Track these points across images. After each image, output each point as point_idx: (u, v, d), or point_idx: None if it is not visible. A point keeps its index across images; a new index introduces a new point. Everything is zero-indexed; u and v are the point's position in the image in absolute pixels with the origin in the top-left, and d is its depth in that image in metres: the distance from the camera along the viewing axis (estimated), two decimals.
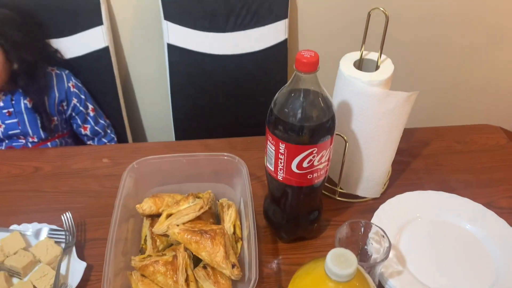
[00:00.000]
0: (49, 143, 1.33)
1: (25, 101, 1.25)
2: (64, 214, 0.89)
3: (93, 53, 1.41)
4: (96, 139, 1.44)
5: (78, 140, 1.45)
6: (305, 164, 0.71)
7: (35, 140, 1.29)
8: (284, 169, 0.73)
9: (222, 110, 1.53)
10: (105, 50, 1.41)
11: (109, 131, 1.47)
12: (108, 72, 1.45)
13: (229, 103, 1.52)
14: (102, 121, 1.44)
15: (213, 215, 0.90)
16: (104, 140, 1.45)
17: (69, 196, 0.98)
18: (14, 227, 0.89)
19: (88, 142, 1.44)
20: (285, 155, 0.71)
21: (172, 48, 1.41)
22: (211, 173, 0.93)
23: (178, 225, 0.80)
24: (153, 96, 1.62)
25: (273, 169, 0.75)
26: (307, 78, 0.67)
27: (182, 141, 1.15)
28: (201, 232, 0.79)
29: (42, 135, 1.29)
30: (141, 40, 1.50)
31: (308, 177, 0.73)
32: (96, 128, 1.41)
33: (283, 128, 0.69)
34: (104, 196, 0.98)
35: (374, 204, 0.94)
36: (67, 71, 1.35)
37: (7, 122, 1.25)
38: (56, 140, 1.35)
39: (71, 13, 1.35)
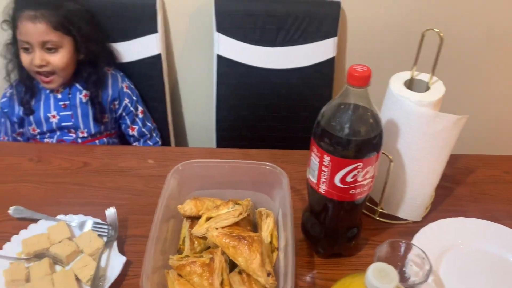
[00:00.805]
0: (97, 141, 1.39)
1: (81, 96, 1.32)
2: (108, 209, 0.92)
3: (145, 59, 1.46)
4: (141, 140, 1.49)
5: (123, 141, 1.50)
6: (348, 179, 0.71)
7: (85, 135, 1.35)
8: (327, 182, 0.73)
9: (264, 122, 1.54)
10: (157, 57, 1.46)
11: (154, 134, 1.51)
12: (158, 78, 1.50)
13: (272, 117, 1.53)
14: (149, 124, 1.48)
15: (251, 223, 0.91)
16: (149, 142, 1.50)
17: (114, 192, 1.02)
18: (60, 217, 0.93)
19: (134, 143, 1.49)
20: (329, 168, 0.71)
21: (221, 59, 1.45)
22: (252, 182, 0.94)
23: (217, 229, 0.82)
24: (198, 104, 1.66)
25: (315, 182, 0.76)
26: (357, 92, 0.67)
27: (224, 149, 1.17)
28: (239, 238, 0.79)
29: (93, 129, 1.34)
30: (192, 50, 1.54)
31: (351, 192, 0.73)
32: (143, 130, 1.46)
33: (329, 140, 0.70)
34: (147, 196, 1.01)
35: (414, 227, 0.92)
36: (121, 73, 1.41)
37: (61, 113, 1.31)
38: (104, 139, 1.40)
39: (128, 20, 1.41)
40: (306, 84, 1.48)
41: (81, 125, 1.33)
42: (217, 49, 1.44)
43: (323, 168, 0.72)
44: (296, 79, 1.48)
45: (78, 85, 1.32)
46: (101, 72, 1.33)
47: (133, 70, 1.47)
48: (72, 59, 1.25)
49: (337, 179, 0.72)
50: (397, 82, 0.85)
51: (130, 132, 1.45)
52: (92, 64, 1.30)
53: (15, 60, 1.28)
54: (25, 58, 1.21)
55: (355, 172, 0.70)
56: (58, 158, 1.11)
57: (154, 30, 1.43)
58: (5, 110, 1.32)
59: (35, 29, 1.16)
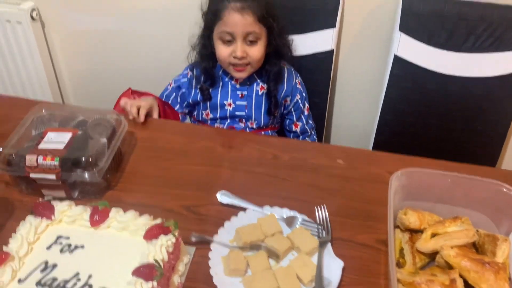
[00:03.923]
0: (262, 133, 1.38)
1: (258, 88, 1.32)
2: (318, 207, 0.89)
3: (318, 54, 1.43)
4: (301, 137, 1.45)
5: (281, 136, 1.48)
6: None
7: (253, 126, 1.34)
8: None
9: (432, 132, 1.45)
10: (330, 53, 1.42)
11: (313, 133, 1.47)
12: (326, 74, 1.46)
13: (442, 127, 1.43)
14: (311, 122, 1.45)
15: (472, 245, 0.83)
16: (308, 140, 1.46)
17: (309, 189, 0.99)
18: (267, 208, 0.91)
19: None
20: None
21: (398, 60, 1.37)
22: (471, 199, 0.86)
23: (451, 248, 0.75)
24: (360, 104, 1.60)
25: None
26: None
27: (418, 158, 1.08)
28: (482, 262, 0.72)
29: (262, 121, 1.34)
30: (364, 47, 1.48)
31: None
32: (306, 127, 1.43)
33: None
34: (344, 197, 0.97)
35: None
36: (293, 68, 1.39)
37: (237, 102, 1.32)
38: (269, 131, 1.39)
39: (309, 12, 1.38)
40: (488, 96, 1.37)
41: (253, 116, 1.33)
42: (396, 49, 1.37)
43: None
44: (478, 89, 1.36)
45: (257, 77, 1.32)
46: (281, 67, 1.31)
47: (302, 64, 1.44)
48: (264, 52, 1.24)
49: None
50: None
51: (293, 129, 1.43)
52: (275, 58, 1.29)
53: (202, 50, 1.29)
54: (223, 50, 1.21)
55: None
56: (248, 146, 1.10)
57: (332, 25, 1.38)
58: (183, 90, 1.35)
59: (243, 21, 1.16)
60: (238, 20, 1.16)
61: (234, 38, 1.19)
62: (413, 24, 1.33)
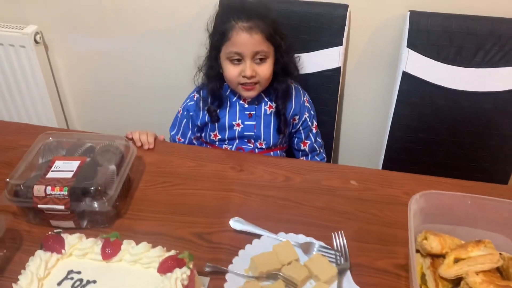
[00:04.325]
0: (271, 153, 1.35)
1: (266, 107, 1.30)
2: (336, 233, 0.87)
3: (324, 72, 1.41)
4: (310, 156, 1.43)
5: (290, 155, 1.46)
6: None
7: (263, 146, 1.32)
8: None
9: (442, 148, 1.42)
10: (337, 70, 1.41)
11: (322, 151, 1.45)
12: (333, 92, 1.44)
13: (452, 142, 1.41)
14: (319, 140, 1.43)
15: (495, 269, 0.81)
16: (317, 158, 1.44)
17: (324, 213, 0.96)
18: (282, 235, 0.89)
19: (301, 158, 1.44)
20: None
21: (406, 77, 1.36)
22: (492, 221, 0.84)
23: (477, 274, 0.73)
24: (369, 121, 1.58)
25: None
26: None
27: (433, 177, 1.07)
28: None
29: (271, 141, 1.32)
30: (370, 64, 1.47)
31: None
32: (314, 145, 1.41)
33: None
34: (360, 221, 0.94)
35: None
36: (300, 86, 1.37)
37: (246, 123, 1.30)
38: (278, 151, 1.37)
39: (315, 31, 1.37)
40: (499, 111, 1.35)
41: (262, 136, 1.31)
42: (404, 66, 1.35)
43: None
44: (489, 104, 1.34)
45: (265, 96, 1.30)
46: (288, 86, 1.30)
47: (309, 82, 1.42)
48: (272, 70, 1.23)
49: None
50: None
51: (302, 147, 1.40)
52: (283, 76, 1.27)
53: (209, 71, 1.27)
54: (232, 70, 1.20)
55: None
56: (259, 169, 1.08)
57: (339, 43, 1.37)
58: (191, 114, 1.33)
59: (251, 40, 1.15)
60: (246, 40, 1.15)
61: (243, 58, 1.17)
62: (421, 40, 1.32)
